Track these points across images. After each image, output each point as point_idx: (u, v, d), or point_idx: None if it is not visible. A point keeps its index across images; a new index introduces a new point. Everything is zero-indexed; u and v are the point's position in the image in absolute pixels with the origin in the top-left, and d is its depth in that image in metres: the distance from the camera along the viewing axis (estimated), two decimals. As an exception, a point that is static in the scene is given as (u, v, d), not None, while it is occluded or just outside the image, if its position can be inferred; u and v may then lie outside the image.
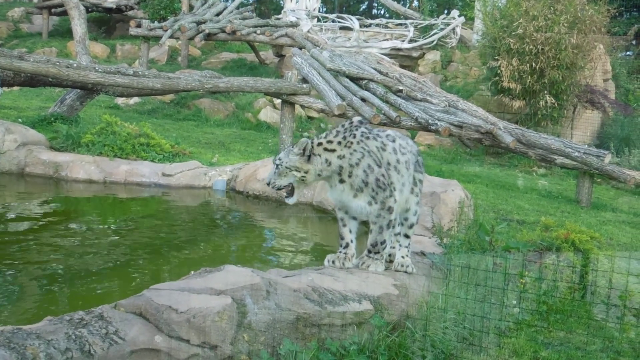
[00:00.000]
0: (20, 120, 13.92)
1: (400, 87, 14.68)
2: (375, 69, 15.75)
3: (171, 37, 23.77)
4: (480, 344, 5.14)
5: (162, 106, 20.28)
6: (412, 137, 19.96)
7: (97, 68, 13.38)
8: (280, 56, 26.30)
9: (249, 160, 12.18)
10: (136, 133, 12.32)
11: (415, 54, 25.54)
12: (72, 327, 3.92)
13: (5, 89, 13.04)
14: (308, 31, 24.32)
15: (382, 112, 13.84)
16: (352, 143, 5.57)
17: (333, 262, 5.78)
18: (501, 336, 5.47)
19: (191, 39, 24.09)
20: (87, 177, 10.96)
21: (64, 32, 30.83)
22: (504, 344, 5.34)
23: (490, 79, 19.62)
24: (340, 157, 5.55)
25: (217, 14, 25.65)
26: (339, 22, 26.94)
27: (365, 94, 14.35)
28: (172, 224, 8.94)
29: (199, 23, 23.93)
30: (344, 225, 5.83)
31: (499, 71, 18.79)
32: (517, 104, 19.15)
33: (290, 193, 5.75)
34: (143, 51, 24.64)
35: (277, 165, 5.67)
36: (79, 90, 14.32)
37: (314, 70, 15.37)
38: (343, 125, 5.76)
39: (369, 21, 28.21)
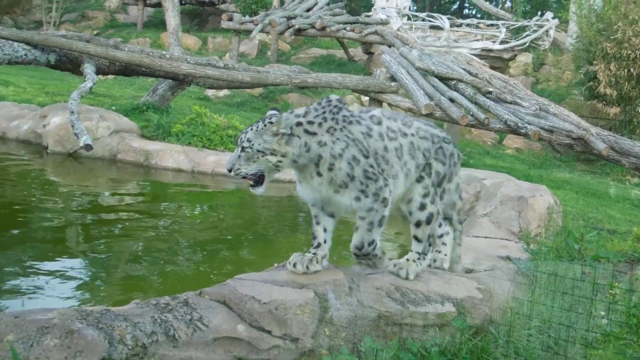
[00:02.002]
0: (113, 108, 14.27)
1: (490, 89, 14.44)
2: (464, 70, 15.55)
3: (262, 31, 24.05)
4: (566, 354, 5.00)
5: (250, 99, 20.52)
6: (501, 140, 19.65)
7: (188, 59, 13.62)
8: (369, 54, 26.26)
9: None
10: (224, 125, 12.49)
11: (506, 56, 25.12)
12: (158, 311, 3.99)
13: (100, 77, 13.38)
14: (398, 29, 24.23)
15: (471, 113, 13.66)
16: (334, 129, 4.63)
17: (295, 265, 4.72)
18: (588, 347, 5.30)
19: (281, 33, 24.31)
20: (176, 166, 11.17)
21: (157, 24, 31.54)
22: (591, 355, 5.18)
23: (584, 84, 19.13)
24: (320, 144, 4.59)
25: (308, 10, 25.82)
26: (429, 21, 26.72)
27: (454, 94, 14.18)
28: (257, 216, 9.03)
29: (289, 18, 24.11)
30: (318, 223, 4.85)
31: (595, 76, 18.29)
32: (612, 110, 18.62)
33: (259, 182, 4.68)
34: (234, 44, 25.00)
35: (244, 148, 4.57)
36: (170, 81, 14.60)
37: (403, 69, 15.27)
38: (320, 104, 4.81)
39: (460, 21, 27.88)
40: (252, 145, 4.56)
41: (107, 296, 5.72)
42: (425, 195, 5.03)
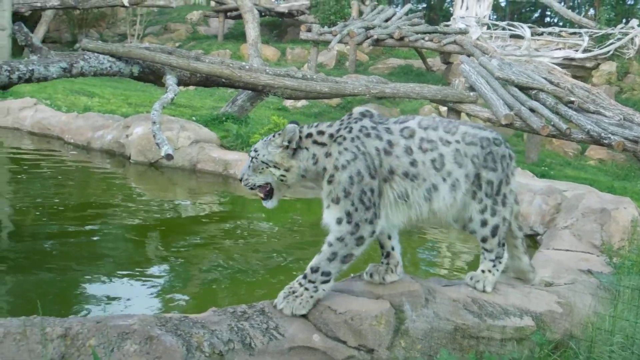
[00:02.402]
0: (194, 118, 14.54)
1: (572, 98, 14.15)
2: (545, 79, 15.28)
3: (340, 42, 24.12)
4: (650, 372, 4.85)
5: (328, 109, 20.61)
6: (583, 151, 19.19)
7: (267, 70, 13.77)
8: (448, 63, 26.05)
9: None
10: (302, 135, 12.54)
11: (589, 65, 24.55)
12: (235, 319, 4.04)
13: (181, 88, 13.64)
14: (477, 39, 23.99)
15: (552, 123, 13.41)
16: (344, 138, 4.33)
17: (371, 275, 4.69)
18: (673, 365, 5.14)
19: (359, 44, 24.35)
20: (254, 176, 11.25)
21: (237, 35, 31.99)
22: (676, 374, 5.02)
23: (671, 93, 18.57)
24: (327, 155, 4.34)
25: (386, 20, 25.80)
26: (510, 30, 26.34)
27: (535, 104, 13.95)
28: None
29: (367, 28, 24.13)
30: (380, 233, 4.60)
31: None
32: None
33: (269, 195, 4.57)
34: (312, 55, 25.16)
35: (252, 158, 4.50)
36: (249, 92, 14.78)
37: (482, 79, 15.11)
38: (342, 119, 4.57)
39: (541, 29, 27.39)
40: (258, 155, 4.47)
41: (185, 303, 5.83)
42: (483, 211, 4.68)
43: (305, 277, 4.27)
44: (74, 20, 32.69)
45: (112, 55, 11.98)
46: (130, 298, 5.83)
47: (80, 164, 11.84)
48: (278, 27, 34.92)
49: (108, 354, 3.59)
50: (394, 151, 4.37)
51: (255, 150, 4.49)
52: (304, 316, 4.19)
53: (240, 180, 4.59)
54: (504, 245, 4.93)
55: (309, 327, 4.16)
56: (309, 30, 24.95)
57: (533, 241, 8.24)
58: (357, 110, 4.61)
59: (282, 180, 4.46)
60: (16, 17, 23.20)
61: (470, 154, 4.59)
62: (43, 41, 21.48)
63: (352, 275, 4.97)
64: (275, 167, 4.42)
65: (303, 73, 14.54)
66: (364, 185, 4.23)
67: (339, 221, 4.24)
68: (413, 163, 4.39)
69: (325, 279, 4.24)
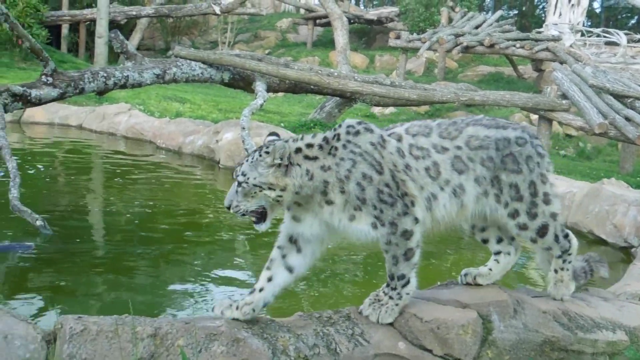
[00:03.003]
0: (282, 124, 14.69)
1: (670, 107, 13.67)
2: (642, 87, 14.82)
3: (429, 49, 23.97)
4: None
5: (416, 117, 20.49)
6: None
7: (356, 77, 13.79)
8: (539, 71, 25.56)
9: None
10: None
11: (688, 72, 23.70)
12: (320, 324, 4.04)
13: (270, 94, 13.80)
14: (570, 46, 23.46)
15: (648, 132, 12.98)
16: (336, 148, 4.03)
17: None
18: None
19: (449, 51, 24.15)
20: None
21: (326, 43, 32.17)
22: None
23: None
24: (324, 169, 4.02)
25: (476, 27, 25.51)
26: (605, 36, 25.68)
27: (630, 112, 13.53)
28: (424, 233, 8.95)
29: (457, 35, 23.91)
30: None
31: None
32: None
33: (261, 218, 4.15)
34: (401, 62, 25.09)
35: (240, 183, 4.06)
36: (337, 98, 14.84)
37: (575, 86, 14.75)
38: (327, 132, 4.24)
39: (638, 36, 26.60)
40: (248, 179, 4.03)
41: (271, 307, 5.86)
42: (513, 215, 4.33)
43: (387, 285, 4.16)
44: (167, 28, 33.56)
45: (203, 62, 12.20)
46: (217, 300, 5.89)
47: (171, 168, 12.12)
48: (367, 34, 34.97)
49: (196, 355, 3.64)
50: (387, 147, 4.09)
51: (244, 174, 4.05)
52: (389, 324, 4.16)
53: (228, 208, 4.10)
54: (567, 236, 4.56)
55: (394, 334, 4.12)
56: (398, 37, 24.88)
57: (627, 254, 7.97)
58: (346, 121, 4.21)
59: (278, 201, 4.07)
60: (112, 25, 23.94)
61: (479, 159, 4.25)
62: (137, 48, 22.10)
63: (438, 282, 4.91)
64: (270, 188, 4.01)
65: (391, 80, 14.53)
66: (375, 184, 3.98)
67: (374, 226, 4.03)
68: (407, 167, 4.10)
69: (403, 282, 4.11)
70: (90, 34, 26.82)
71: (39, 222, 7.22)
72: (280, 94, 20.58)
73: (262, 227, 4.17)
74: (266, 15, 35.65)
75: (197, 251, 7.32)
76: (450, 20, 28.10)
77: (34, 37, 9.58)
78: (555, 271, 4.69)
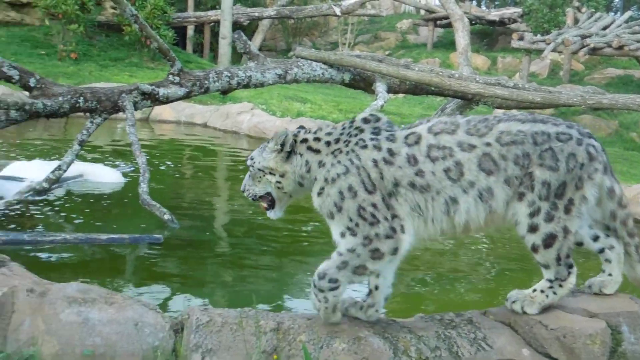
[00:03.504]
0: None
1: None
2: None
3: (554, 50, 23.33)
4: None
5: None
6: None
7: (477, 79, 13.57)
8: (671, 73, 24.47)
9: (631, 183, 11.44)
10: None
11: None
12: (442, 326, 4.02)
13: (390, 95, 13.76)
14: None
15: None
16: (340, 151, 4.02)
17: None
18: None
19: (575, 52, 23.44)
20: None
21: (447, 44, 31.88)
22: None
23: None
24: (320, 164, 4.06)
25: (604, 28, 24.62)
26: None
27: None
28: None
29: (583, 37, 23.16)
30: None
31: None
32: None
33: (271, 205, 4.31)
34: (524, 64, 24.53)
35: (250, 166, 4.28)
36: (458, 100, 14.63)
37: None
38: (343, 125, 4.27)
39: None
40: (254, 163, 4.23)
41: (392, 307, 5.85)
42: (533, 214, 3.96)
43: (313, 285, 3.94)
44: (288, 30, 34.05)
45: (324, 63, 12.29)
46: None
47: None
48: (489, 35, 34.39)
49: (317, 351, 3.68)
50: (395, 161, 3.96)
51: (252, 159, 4.27)
52: (514, 330, 4.08)
53: (243, 191, 4.35)
54: (570, 266, 4.14)
55: (518, 340, 4.05)
56: (521, 38, 24.33)
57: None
58: (360, 116, 4.25)
59: (279, 188, 4.21)
60: (236, 26, 24.49)
61: (512, 156, 3.96)
62: (260, 49, 22.52)
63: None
64: (270, 173, 4.18)
65: (514, 82, 14.21)
66: (359, 201, 3.88)
67: (342, 235, 3.94)
68: (419, 173, 3.94)
69: (332, 285, 3.87)
70: (215, 35, 27.51)
71: (166, 216, 7.47)
72: (400, 95, 20.52)
73: (272, 215, 4.30)
74: (386, 16, 35.60)
75: (317, 248, 7.39)
76: (576, 21, 27.23)
77: (161, 38, 9.88)
78: (534, 290, 4.24)
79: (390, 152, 3.97)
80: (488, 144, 3.97)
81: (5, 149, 11.86)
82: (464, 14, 19.22)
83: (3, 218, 7.54)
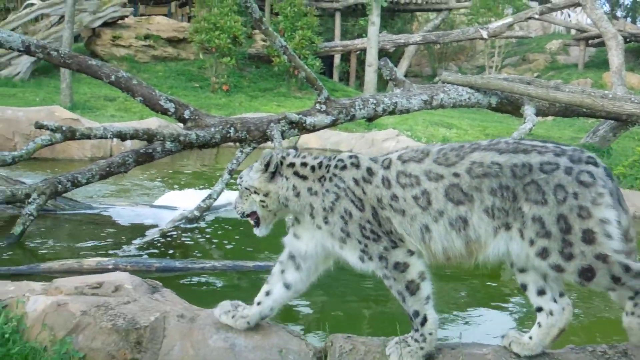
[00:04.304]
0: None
1: None
2: None
3: None
4: None
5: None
6: None
7: (633, 99, 13.02)
8: None
9: None
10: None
11: None
12: (594, 359, 3.85)
13: (539, 118, 13.44)
14: None
15: None
16: (325, 179, 4.05)
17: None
18: None
19: None
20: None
21: (599, 63, 30.85)
22: None
23: None
24: (311, 192, 4.08)
25: None
26: None
27: None
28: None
29: None
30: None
31: None
32: None
33: (257, 223, 4.33)
34: (683, 82, 23.35)
35: (239, 184, 4.34)
36: (612, 122, 14.12)
37: None
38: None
39: None
40: (242, 182, 4.28)
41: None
42: (543, 254, 3.64)
43: (412, 327, 3.89)
44: (434, 55, 34.02)
45: (470, 87, 12.18)
46: (486, 326, 5.84)
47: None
48: (643, 53, 33.01)
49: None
50: (373, 180, 3.94)
51: (241, 177, 4.32)
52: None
53: (234, 209, 4.41)
54: (634, 277, 3.62)
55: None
56: (680, 55, 23.21)
57: None
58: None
59: (263, 206, 4.22)
60: (381, 53, 24.69)
61: (487, 188, 3.71)
62: (405, 75, 22.60)
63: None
64: (255, 192, 4.21)
65: (673, 101, 13.53)
66: (357, 220, 3.89)
67: (362, 259, 3.93)
68: (393, 197, 3.88)
69: (419, 320, 3.82)
70: (361, 62, 27.89)
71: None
72: (549, 118, 19.99)
73: (258, 232, 4.34)
74: (534, 37, 34.90)
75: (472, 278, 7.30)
76: None
77: (309, 67, 10.12)
78: (632, 313, 3.79)
79: (370, 172, 3.98)
80: (456, 175, 3.80)
81: (160, 179, 12.45)
82: (618, 31, 18.56)
83: (158, 245, 7.89)
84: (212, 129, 8.81)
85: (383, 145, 15.54)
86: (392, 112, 11.02)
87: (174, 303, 4.38)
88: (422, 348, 3.82)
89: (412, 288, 3.81)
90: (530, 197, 3.64)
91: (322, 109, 9.66)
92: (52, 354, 3.95)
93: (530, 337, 3.91)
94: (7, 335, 4.00)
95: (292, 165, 4.20)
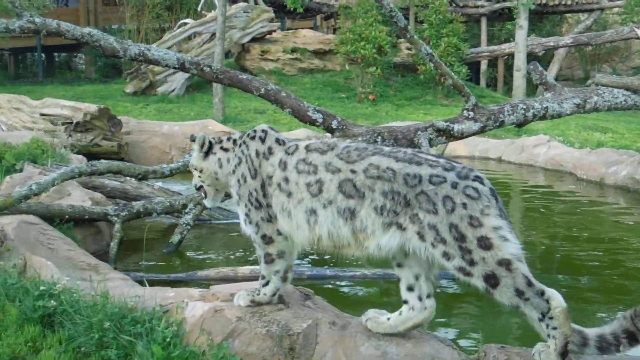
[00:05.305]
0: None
1: None
2: None
3: None
4: None
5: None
6: None
7: None
8: None
9: None
10: None
11: None
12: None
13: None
14: None
15: None
16: (239, 146, 4.64)
17: None
18: None
19: None
20: None
21: None
22: None
23: None
24: (228, 161, 4.68)
25: None
26: None
27: None
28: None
29: None
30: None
31: None
32: None
33: (205, 194, 4.92)
34: None
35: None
36: None
37: None
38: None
39: None
40: (190, 160, 4.90)
41: None
42: (448, 257, 3.88)
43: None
44: (586, 57, 32.82)
45: (627, 89, 11.65)
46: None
47: (592, 200, 11.96)
48: None
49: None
50: (270, 159, 4.44)
51: (191, 155, 4.95)
52: None
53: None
54: (542, 294, 3.81)
55: None
56: None
57: None
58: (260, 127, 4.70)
59: (202, 181, 4.81)
60: (530, 57, 24.07)
61: (379, 189, 4.02)
62: (556, 79, 21.86)
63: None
64: (195, 169, 4.80)
65: None
66: (248, 186, 4.44)
67: (245, 223, 4.52)
68: (286, 179, 4.32)
69: (263, 282, 4.52)
70: (508, 67, 27.29)
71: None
72: None
73: (206, 203, 5.02)
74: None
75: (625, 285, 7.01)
76: None
77: (455, 74, 9.99)
78: (548, 335, 3.86)
79: (270, 150, 4.46)
80: (353, 171, 4.13)
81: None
82: None
83: (309, 252, 8.03)
84: (360, 139, 8.85)
85: (534, 152, 15.18)
86: (542, 118, 10.68)
87: (326, 310, 4.45)
88: (251, 297, 4.47)
89: (267, 259, 4.45)
90: (423, 207, 3.92)
91: (469, 116, 9.50)
92: (210, 358, 4.11)
93: (388, 319, 4.27)
94: (168, 339, 4.22)
95: (220, 142, 4.78)
